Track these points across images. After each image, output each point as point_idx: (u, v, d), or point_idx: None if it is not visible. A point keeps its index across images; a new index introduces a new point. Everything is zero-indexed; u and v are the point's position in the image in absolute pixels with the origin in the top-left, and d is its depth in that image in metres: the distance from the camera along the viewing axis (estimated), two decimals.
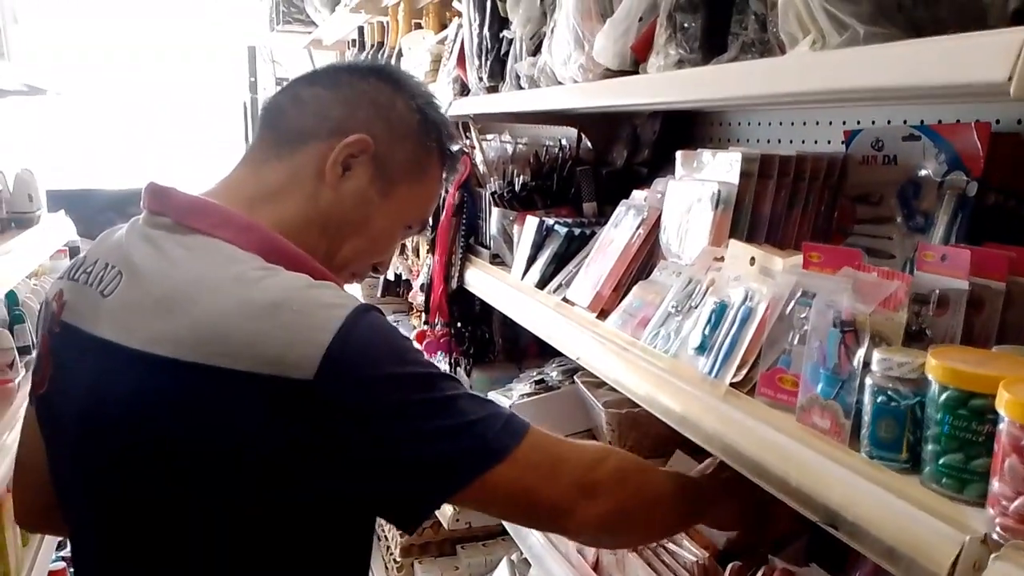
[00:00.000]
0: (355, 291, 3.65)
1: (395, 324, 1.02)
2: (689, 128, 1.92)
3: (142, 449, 0.93)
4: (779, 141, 1.64)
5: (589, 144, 2.14)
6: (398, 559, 2.83)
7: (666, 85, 1.18)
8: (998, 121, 1.16)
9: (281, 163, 1.07)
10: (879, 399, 0.79)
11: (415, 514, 0.97)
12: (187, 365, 0.88)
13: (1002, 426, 0.66)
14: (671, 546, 1.42)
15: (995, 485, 0.67)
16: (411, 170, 1.12)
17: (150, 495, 0.95)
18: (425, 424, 0.91)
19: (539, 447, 0.98)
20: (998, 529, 0.66)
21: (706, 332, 1.09)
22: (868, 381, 0.81)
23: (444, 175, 1.21)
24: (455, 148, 1.21)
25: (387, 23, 3.43)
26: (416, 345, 0.95)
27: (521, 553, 1.96)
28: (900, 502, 0.73)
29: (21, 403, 2.30)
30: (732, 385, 1.02)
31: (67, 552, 2.81)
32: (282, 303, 0.89)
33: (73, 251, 3.59)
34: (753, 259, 1.09)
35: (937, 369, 0.73)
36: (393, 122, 1.10)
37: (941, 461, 0.73)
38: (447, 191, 2.22)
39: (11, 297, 2.61)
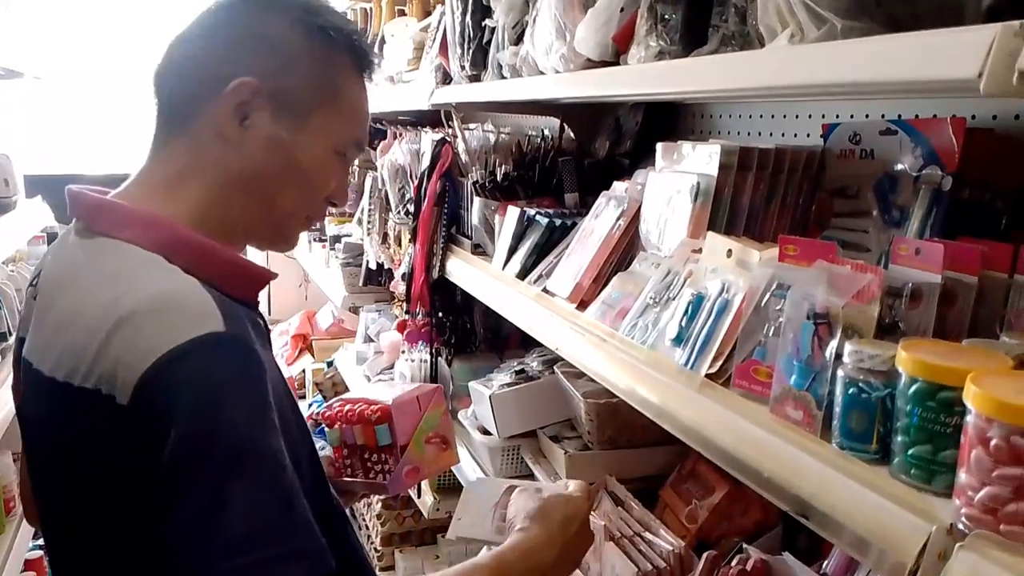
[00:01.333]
0: (336, 280, 3.63)
1: (264, 360, 0.89)
2: (671, 120, 1.92)
3: (56, 471, 0.93)
4: (759, 134, 1.65)
5: (572, 134, 2.14)
6: (378, 548, 2.84)
7: (646, 77, 1.18)
8: (974, 116, 1.17)
9: (183, 138, 1.00)
10: (850, 391, 0.80)
11: None
12: (61, 384, 0.86)
13: (969, 418, 0.67)
14: (648, 535, 1.43)
15: (962, 476, 0.68)
16: (317, 94, 1.01)
17: (74, 516, 0.94)
18: (190, 507, 0.79)
19: None
20: (964, 519, 0.67)
21: (683, 323, 1.09)
22: (840, 373, 0.82)
23: (364, 80, 1.08)
24: (363, 47, 1.07)
25: (371, 9, 3.40)
26: (259, 394, 0.85)
27: None
28: (869, 493, 0.74)
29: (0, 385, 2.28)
30: (708, 376, 1.03)
31: (43, 541, 2.79)
32: (127, 318, 0.83)
33: (51, 237, 3.55)
34: (730, 251, 1.09)
35: (907, 362, 0.74)
36: (275, 50, 0.99)
37: (910, 452, 0.74)
38: (429, 178, 2.21)
39: None
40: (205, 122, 0.98)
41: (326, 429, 1.38)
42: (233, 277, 0.97)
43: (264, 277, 1.04)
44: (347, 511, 1.25)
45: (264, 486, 0.82)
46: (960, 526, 0.67)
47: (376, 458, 1.32)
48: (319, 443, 3.15)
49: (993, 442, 0.64)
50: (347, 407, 1.35)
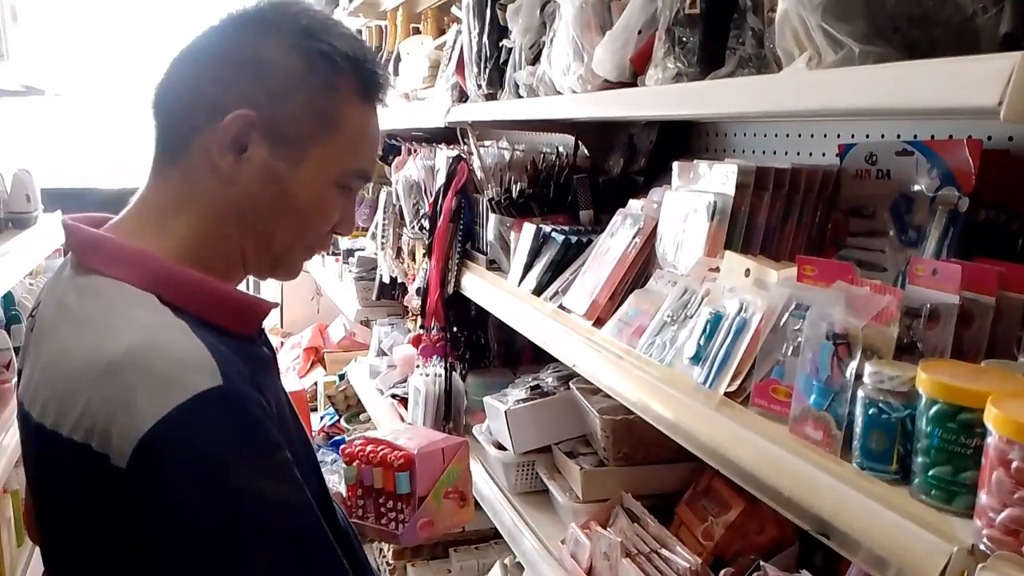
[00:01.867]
0: (349, 293, 3.66)
1: (257, 417, 0.86)
2: (685, 138, 1.94)
3: (50, 513, 0.93)
4: (774, 153, 1.66)
5: (586, 152, 2.16)
6: (391, 562, 2.84)
7: (664, 98, 1.19)
8: (990, 138, 1.18)
9: (176, 169, 0.96)
10: (870, 411, 0.81)
11: None
12: (48, 432, 0.84)
13: (990, 440, 0.68)
14: (664, 552, 1.44)
15: (983, 497, 0.68)
16: (316, 122, 0.96)
17: (68, 556, 0.93)
18: (193, 570, 0.79)
19: None
20: (985, 540, 0.68)
21: (701, 342, 1.10)
22: (860, 393, 0.83)
23: (373, 107, 1.02)
24: (371, 70, 1.00)
25: (385, 27, 3.44)
26: (260, 445, 0.85)
27: (514, 557, 1.98)
28: (890, 513, 0.75)
29: None
30: (726, 395, 1.04)
31: None
32: (118, 369, 0.80)
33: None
34: (748, 271, 1.10)
35: (927, 383, 0.75)
36: (271, 77, 0.93)
37: (930, 473, 0.75)
38: (445, 194, 2.24)
39: (7, 298, 2.61)
40: (200, 152, 0.94)
41: (343, 465, 1.37)
42: (229, 313, 0.94)
43: (263, 309, 1.00)
44: None
45: (280, 542, 0.82)
46: (982, 547, 0.68)
47: (391, 504, 1.31)
48: (332, 456, 3.11)
49: (1014, 464, 0.65)
50: (369, 447, 1.34)
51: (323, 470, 1.13)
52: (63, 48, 4.70)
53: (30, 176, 2.93)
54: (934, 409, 0.74)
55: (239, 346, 0.91)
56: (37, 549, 2.35)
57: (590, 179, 1.93)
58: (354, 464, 1.34)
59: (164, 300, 0.88)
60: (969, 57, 0.68)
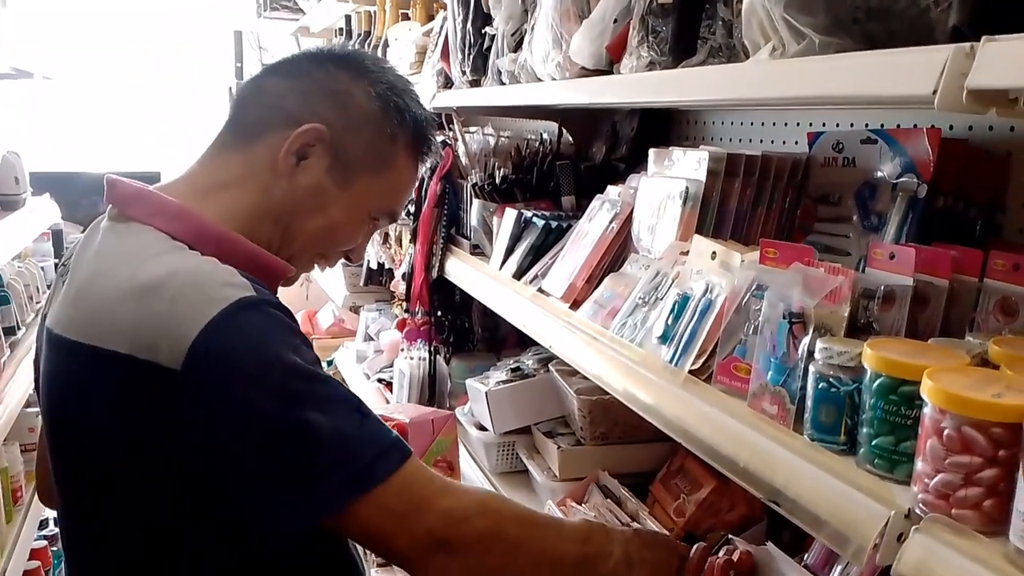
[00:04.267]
0: (338, 279, 3.69)
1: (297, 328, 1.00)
2: (665, 126, 1.97)
3: (71, 432, 1.00)
4: (750, 141, 1.70)
5: (570, 139, 2.19)
6: None
7: (637, 85, 1.23)
8: (952, 127, 1.22)
9: (239, 154, 1.08)
10: (820, 386, 0.85)
11: (277, 532, 0.93)
12: (86, 348, 0.92)
13: (926, 410, 0.72)
14: (635, 525, 1.48)
15: (919, 464, 0.73)
16: (371, 161, 1.10)
17: (91, 485, 1.00)
18: (281, 441, 0.89)
19: (408, 486, 0.93)
20: (920, 505, 0.72)
21: (669, 322, 1.14)
22: (811, 369, 0.87)
23: (418, 165, 1.17)
24: (428, 136, 1.16)
25: (374, 12, 3.46)
26: (302, 345, 0.95)
27: None
28: (836, 481, 0.79)
29: (6, 383, 2.33)
30: (691, 373, 1.08)
31: (48, 531, 2.84)
32: (160, 286, 0.90)
33: (56, 234, 3.61)
34: (714, 254, 1.14)
35: (871, 358, 0.79)
36: (350, 110, 1.08)
37: (874, 443, 0.79)
38: (429, 179, 2.27)
39: None
40: (266, 147, 1.06)
41: None
42: (258, 268, 1.02)
43: (283, 270, 1.09)
44: None
45: (339, 407, 0.92)
46: (917, 511, 0.72)
47: None
48: None
49: (946, 432, 0.69)
50: None
51: None
52: (52, 31, 4.69)
53: (19, 158, 2.94)
54: (878, 383, 0.78)
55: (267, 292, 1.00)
56: (26, 526, 2.39)
57: (573, 166, 1.96)
58: None
59: (195, 250, 0.98)
60: (910, 49, 0.72)
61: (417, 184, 2.34)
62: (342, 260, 1.22)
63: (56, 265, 3.58)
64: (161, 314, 0.89)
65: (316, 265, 1.18)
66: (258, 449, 0.89)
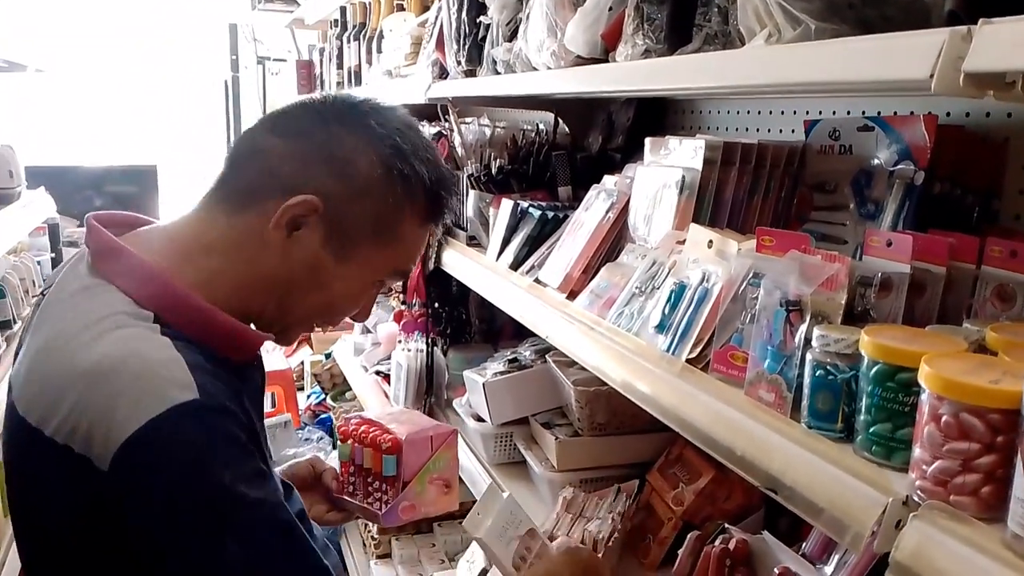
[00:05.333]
0: None
1: (226, 432, 0.91)
2: (662, 115, 1.97)
3: (23, 507, 0.97)
4: (746, 129, 1.69)
5: (566, 129, 2.18)
6: (375, 536, 2.89)
7: (632, 74, 1.22)
8: (948, 114, 1.22)
9: (228, 218, 1.00)
10: (817, 373, 0.85)
11: None
12: (31, 427, 0.88)
13: (923, 397, 0.71)
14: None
15: (916, 451, 0.72)
16: (373, 230, 1.02)
17: (33, 554, 0.97)
18: (191, 569, 0.85)
19: None
20: (918, 492, 0.72)
21: (665, 311, 1.14)
22: (808, 357, 0.86)
23: (428, 228, 1.09)
24: (439, 200, 1.07)
25: (369, 3, 3.44)
26: (241, 456, 0.90)
27: None
28: (833, 468, 0.79)
29: (3, 376, 2.32)
30: (688, 361, 1.08)
31: None
32: (104, 376, 0.85)
33: (52, 228, 3.59)
34: (711, 242, 1.14)
35: (869, 345, 0.79)
36: (348, 179, 0.99)
37: (871, 430, 0.79)
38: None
39: None
40: (256, 216, 0.98)
41: (339, 442, 1.40)
42: (225, 342, 0.97)
43: (257, 343, 1.04)
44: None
45: (263, 536, 0.88)
46: (915, 498, 0.72)
47: (377, 485, 1.33)
48: (299, 448, 3.16)
49: (944, 419, 0.69)
50: (362, 427, 1.37)
51: (309, 448, 1.19)
52: (45, 23, 4.66)
53: (13, 152, 2.93)
54: (875, 370, 0.78)
55: (228, 370, 0.96)
56: None
57: (569, 156, 1.95)
58: (348, 442, 1.37)
59: (161, 320, 0.92)
60: (906, 33, 0.71)
61: None
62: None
63: (52, 260, 3.58)
64: (100, 408, 0.84)
65: (314, 330, 1.13)
66: (171, 569, 0.86)
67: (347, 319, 1.13)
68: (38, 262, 3.17)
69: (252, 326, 1.05)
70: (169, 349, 0.88)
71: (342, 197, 0.99)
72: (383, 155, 1.01)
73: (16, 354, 1.03)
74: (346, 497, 1.36)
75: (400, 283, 2.51)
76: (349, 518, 1.40)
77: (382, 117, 1.04)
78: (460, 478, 1.59)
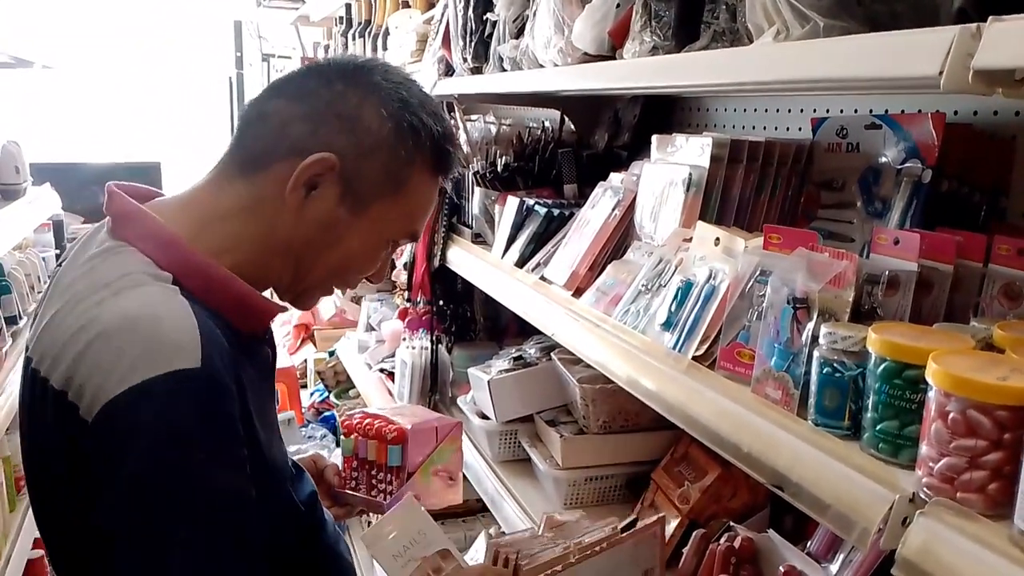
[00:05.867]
0: None
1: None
2: (668, 113, 1.96)
3: (31, 458, 0.99)
4: (753, 127, 1.69)
5: (572, 127, 2.18)
6: None
7: (640, 71, 1.22)
8: (956, 112, 1.22)
9: (242, 184, 1.01)
10: (825, 370, 0.85)
11: None
12: (40, 378, 0.90)
13: (931, 394, 0.71)
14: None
15: (923, 448, 0.72)
16: (386, 185, 1.03)
17: (42, 504, 0.98)
18: (137, 544, 0.84)
19: None
20: (925, 489, 0.72)
21: (672, 309, 1.14)
22: (815, 354, 0.86)
23: (438, 182, 1.10)
24: (447, 153, 1.08)
25: (375, 0, 3.44)
26: (223, 439, 0.89)
27: (499, 527, 2.02)
28: (840, 465, 0.79)
29: (7, 372, 2.33)
30: (695, 359, 1.08)
31: None
32: (113, 332, 0.85)
33: (57, 225, 3.60)
34: (718, 240, 1.14)
35: (876, 342, 0.79)
36: (359, 135, 1.00)
37: (878, 428, 0.79)
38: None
39: None
40: (273, 178, 0.99)
41: (343, 437, 1.40)
42: (239, 311, 0.98)
43: (272, 313, 1.04)
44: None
45: (214, 533, 0.85)
46: (921, 495, 0.72)
47: (382, 476, 1.33)
48: (302, 446, 3.18)
49: (951, 415, 0.69)
50: (367, 421, 1.37)
51: (312, 445, 1.18)
52: (52, 20, 4.67)
53: (19, 148, 2.94)
54: (882, 367, 0.78)
55: (239, 341, 0.96)
56: (29, 515, 2.39)
57: (575, 153, 1.96)
58: (352, 436, 1.37)
59: (179, 284, 0.93)
60: (916, 30, 0.71)
61: None
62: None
63: (57, 256, 3.59)
64: (100, 361, 0.84)
65: (332, 292, 1.12)
66: (116, 535, 0.85)
67: (364, 282, 1.14)
68: (43, 258, 3.18)
69: (269, 294, 1.06)
70: (187, 311, 0.88)
71: (355, 153, 1.00)
72: (391, 109, 1.02)
73: (35, 317, 1.04)
74: (348, 491, 1.36)
75: (406, 280, 2.51)
76: (351, 513, 1.40)
77: (386, 73, 1.05)
78: (464, 475, 1.60)
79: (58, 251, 3.58)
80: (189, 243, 0.96)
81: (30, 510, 2.41)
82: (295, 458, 1.41)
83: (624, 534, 1.22)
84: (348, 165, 1.00)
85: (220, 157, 1.05)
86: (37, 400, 0.92)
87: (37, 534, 2.58)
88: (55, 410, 0.87)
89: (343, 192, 1.00)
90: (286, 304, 1.08)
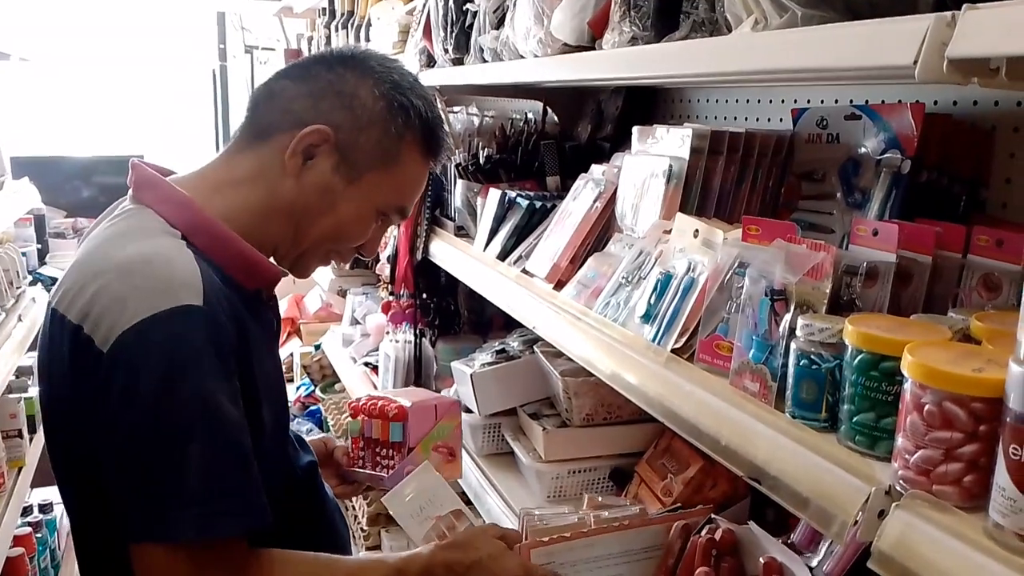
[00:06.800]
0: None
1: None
2: (651, 105, 1.95)
3: (46, 395, 1.09)
4: (735, 118, 1.68)
5: (555, 118, 2.17)
6: (365, 528, 2.88)
7: (619, 61, 1.21)
8: (936, 102, 1.21)
9: (251, 153, 1.13)
10: (802, 362, 0.84)
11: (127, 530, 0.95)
12: (59, 315, 1.00)
13: (906, 386, 0.71)
14: (622, 501, 1.47)
15: (899, 440, 0.72)
16: (378, 157, 1.13)
17: (57, 442, 1.08)
18: (153, 456, 0.93)
19: (214, 562, 0.95)
20: (901, 481, 0.72)
21: (651, 301, 1.13)
22: (793, 346, 0.86)
23: (428, 162, 1.20)
24: (436, 133, 1.19)
25: None
26: (221, 369, 0.98)
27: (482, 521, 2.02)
28: (817, 457, 0.79)
29: None
30: (674, 351, 1.07)
31: (32, 518, 2.82)
32: (131, 268, 0.96)
33: (38, 219, 3.56)
34: (697, 231, 1.13)
35: (853, 334, 0.78)
36: (356, 110, 1.12)
37: (855, 420, 0.79)
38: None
39: None
40: (275, 147, 1.11)
41: (350, 419, 1.50)
42: (240, 266, 1.08)
43: (271, 272, 1.13)
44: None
45: (221, 447, 0.95)
46: (898, 487, 0.72)
47: (385, 452, 1.43)
48: (307, 425, 3.21)
49: (927, 407, 0.68)
50: (370, 402, 1.47)
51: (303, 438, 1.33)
52: (29, 12, 4.61)
53: None
54: (858, 359, 0.77)
55: (242, 299, 1.07)
56: (8, 513, 2.36)
57: (557, 145, 1.94)
58: (359, 418, 1.47)
59: (188, 240, 1.04)
60: (892, 19, 0.70)
61: None
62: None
63: (39, 250, 3.55)
64: (116, 295, 0.95)
65: (332, 260, 1.23)
66: (132, 454, 0.94)
67: (357, 258, 1.27)
68: (23, 253, 3.14)
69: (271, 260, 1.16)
70: (192, 259, 1.00)
71: (350, 127, 1.11)
72: (383, 89, 1.13)
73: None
74: (356, 469, 1.45)
75: (389, 273, 2.49)
76: (359, 490, 1.51)
77: (381, 61, 1.18)
78: None
79: (39, 245, 3.54)
80: (200, 206, 1.08)
81: (9, 508, 2.39)
82: (307, 439, 1.45)
83: (655, 517, 1.29)
84: (343, 137, 1.11)
85: (233, 135, 1.18)
86: (55, 340, 1.02)
87: (17, 532, 2.55)
88: (71, 345, 0.97)
89: (338, 162, 1.12)
90: (284, 270, 1.17)
